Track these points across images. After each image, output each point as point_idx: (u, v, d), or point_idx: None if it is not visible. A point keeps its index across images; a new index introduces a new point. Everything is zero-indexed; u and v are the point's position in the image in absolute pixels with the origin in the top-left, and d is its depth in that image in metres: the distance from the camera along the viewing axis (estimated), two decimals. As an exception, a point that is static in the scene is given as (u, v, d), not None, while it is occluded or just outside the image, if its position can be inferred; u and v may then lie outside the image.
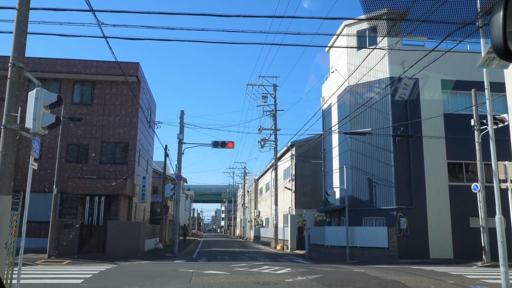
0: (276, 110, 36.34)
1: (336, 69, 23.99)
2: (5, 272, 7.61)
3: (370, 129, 20.46)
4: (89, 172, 23.70)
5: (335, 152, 25.37)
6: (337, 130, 23.17)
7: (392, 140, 21.43)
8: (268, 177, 48.86)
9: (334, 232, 22.18)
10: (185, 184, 79.96)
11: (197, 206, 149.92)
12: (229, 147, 23.15)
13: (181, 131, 23.91)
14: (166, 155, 29.49)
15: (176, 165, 23.84)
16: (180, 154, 23.66)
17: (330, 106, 26.62)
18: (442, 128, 21.72)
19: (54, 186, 18.49)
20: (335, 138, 25.56)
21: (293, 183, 34.61)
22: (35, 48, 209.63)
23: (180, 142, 23.69)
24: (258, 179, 59.70)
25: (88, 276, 12.28)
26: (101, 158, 24.17)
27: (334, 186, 24.75)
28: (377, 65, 20.68)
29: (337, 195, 23.79)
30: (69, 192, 22.11)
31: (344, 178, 21.80)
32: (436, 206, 20.89)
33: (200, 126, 46.81)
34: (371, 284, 11.31)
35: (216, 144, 22.97)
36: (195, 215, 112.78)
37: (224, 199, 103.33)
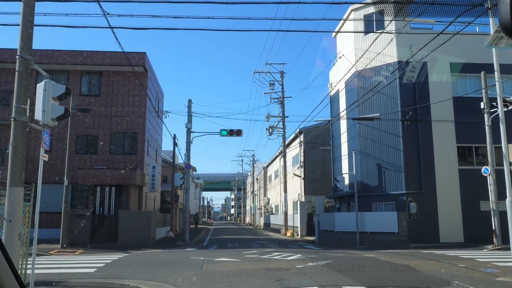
0: (283, 97, 36.22)
1: (343, 55, 23.80)
2: (20, 263, 7.74)
3: (378, 114, 20.35)
4: (99, 163, 23.88)
5: (344, 138, 25.30)
6: (345, 116, 23.07)
7: (400, 124, 21.30)
8: (277, 164, 48.93)
9: (344, 217, 22.22)
10: (194, 173, 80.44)
11: (207, 195, 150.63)
12: (237, 135, 23.15)
13: (189, 120, 23.95)
14: (175, 144, 29.61)
15: (185, 154, 23.94)
16: (188, 143, 23.74)
17: (338, 92, 26.47)
18: (452, 111, 21.53)
19: (65, 177, 18.68)
20: (343, 124, 25.47)
21: (302, 169, 34.63)
22: (42, 41, 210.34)
23: (189, 131, 23.75)
24: (267, 167, 59.82)
25: (101, 265, 12.45)
26: (110, 148, 24.31)
27: (343, 172, 24.74)
28: (384, 49, 20.48)
29: (346, 181, 23.79)
30: (79, 182, 22.36)
31: (353, 164, 21.78)
32: (446, 190, 20.82)
33: (208, 115, 46.89)
34: (381, 269, 11.35)
35: (224, 133, 22.98)
36: (205, 203, 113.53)
37: (234, 187, 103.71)
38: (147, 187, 24.80)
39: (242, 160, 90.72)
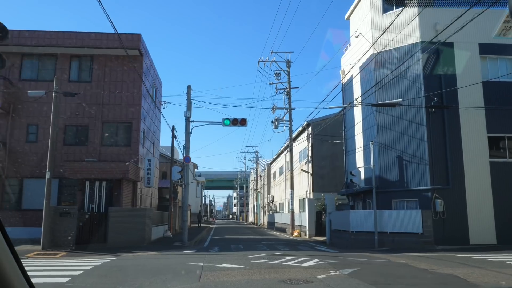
0: (290, 87, 34.01)
1: (360, 33, 21.48)
2: None
3: (400, 99, 18.04)
4: (89, 155, 21.68)
5: (358, 128, 23.01)
6: (360, 103, 20.79)
7: (424, 112, 19.01)
8: (282, 160, 46.68)
9: (360, 216, 19.96)
10: (196, 170, 78.26)
11: (209, 193, 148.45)
12: (241, 125, 20.90)
13: (189, 108, 21.72)
14: (174, 136, 27.41)
15: (183, 145, 21.73)
16: (188, 133, 21.51)
17: (351, 79, 24.19)
18: (481, 97, 19.24)
19: (47, 170, 16.48)
20: (358, 114, 23.19)
21: (310, 165, 32.36)
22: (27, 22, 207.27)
23: (188, 120, 21.52)
24: (271, 163, 57.56)
25: (78, 273, 10.24)
26: (102, 139, 22.11)
27: (358, 166, 22.46)
28: (406, 28, 18.23)
29: (362, 176, 21.51)
30: (67, 177, 20.16)
31: (371, 156, 19.48)
32: (476, 186, 18.53)
33: (209, 102, 44.51)
34: (424, 281, 9.09)
35: (227, 122, 20.73)
36: (207, 202, 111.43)
37: (236, 185, 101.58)
38: (142, 182, 22.58)
39: (244, 157, 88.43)
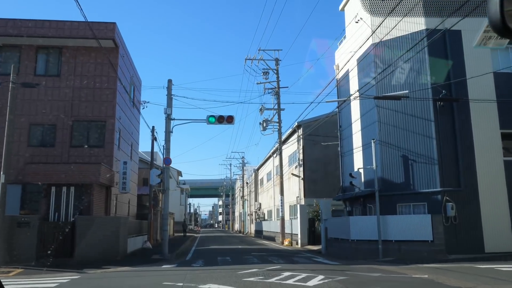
0: (279, 87, 32.04)
1: (361, 18, 19.52)
2: None
3: (407, 91, 16.08)
4: (57, 158, 19.28)
5: (356, 127, 21.03)
6: (360, 97, 18.81)
7: (432, 106, 17.10)
8: (270, 165, 44.57)
9: (362, 222, 17.91)
10: (180, 178, 75.65)
11: (194, 201, 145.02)
12: (228, 122, 18.75)
13: (169, 104, 19.49)
14: (154, 138, 25.10)
15: (163, 146, 19.47)
16: (168, 132, 19.26)
17: (347, 74, 22.26)
18: (493, 90, 17.41)
19: (1, 173, 14.05)
20: (355, 111, 21.23)
21: (301, 169, 30.28)
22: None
23: (168, 118, 19.28)
24: (258, 169, 55.40)
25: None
26: (72, 140, 19.73)
27: (356, 168, 20.44)
28: (409, 14, 16.33)
29: (362, 178, 19.48)
30: (30, 182, 17.72)
31: (373, 156, 17.47)
32: (489, 187, 16.64)
33: (192, 98, 42.05)
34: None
35: (212, 120, 18.57)
36: (192, 210, 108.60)
37: (222, 193, 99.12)
38: (117, 187, 20.20)
39: (230, 164, 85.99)
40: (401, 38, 18.26)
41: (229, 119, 18.77)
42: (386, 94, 16.28)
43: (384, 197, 17.58)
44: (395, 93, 16.06)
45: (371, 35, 17.53)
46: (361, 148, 20.30)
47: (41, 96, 19.94)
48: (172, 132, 19.38)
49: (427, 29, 17.46)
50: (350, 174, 18.22)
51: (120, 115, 21.35)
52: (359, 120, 20.65)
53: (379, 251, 16.59)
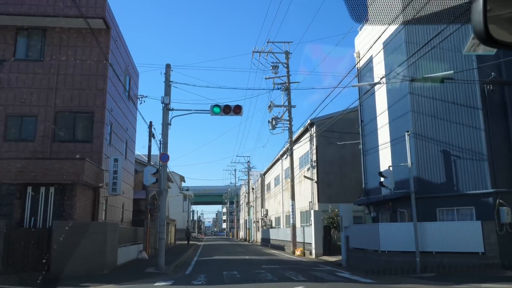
0: (289, 82, 29.39)
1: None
2: None
3: (451, 71, 13.31)
4: (38, 154, 16.63)
5: (383, 120, 18.29)
6: (390, 81, 16.09)
7: (478, 91, 14.34)
8: (278, 169, 41.80)
9: (393, 230, 15.11)
10: (183, 183, 72.96)
11: (197, 208, 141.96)
12: (235, 113, 16.05)
13: (167, 92, 16.83)
14: (152, 135, 22.43)
15: (160, 140, 16.82)
16: (166, 124, 16.58)
17: (370, 61, 19.54)
18: (550, 73, 14.67)
19: (-42, 167, 11.38)
20: (381, 102, 18.51)
21: (314, 171, 27.50)
22: None
23: (166, 108, 16.60)
24: (264, 174, 52.59)
25: None
26: (55, 133, 17.08)
27: (382, 168, 17.67)
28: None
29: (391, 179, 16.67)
30: (2, 181, 15.03)
31: (407, 152, 14.66)
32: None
33: (194, 85, 39.16)
34: None
35: (217, 110, 15.88)
36: (195, 217, 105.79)
37: (226, 200, 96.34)
38: (107, 189, 17.50)
39: (235, 170, 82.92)
40: (439, 14, 15.53)
41: (237, 110, 16.09)
42: (427, 75, 13.51)
43: (420, 200, 14.78)
44: (437, 74, 13.29)
45: (403, 10, 14.74)
46: (388, 144, 17.54)
47: (20, 83, 17.36)
48: (170, 125, 16.71)
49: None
50: (380, 173, 15.41)
51: (112, 106, 18.70)
52: (386, 112, 17.91)
53: (417, 265, 13.79)
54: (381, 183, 15.38)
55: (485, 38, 1.74)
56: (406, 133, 15.03)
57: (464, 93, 14.63)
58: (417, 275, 13.42)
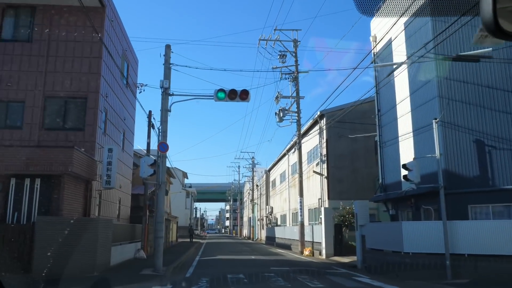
0: (297, 71, 27.78)
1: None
2: None
3: (490, 48, 11.65)
4: (25, 143, 15.11)
5: (404, 108, 16.65)
6: (418, 59, 14.43)
7: (517, 73, 12.71)
8: (284, 165, 40.20)
9: (419, 230, 13.46)
10: (186, 180, 71.35)
11: (200, 206, 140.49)
12: (241, 99, 14.46)
13: (167, 75, 15.24)
14: (151, 124, 20.86)
15: (159, 128, 15.25)
16: (165, 110, 15.00)
17: (388, 44, 17.92)
18: None
19: None
20: (402, 88, 16.87)
21: (324, 165, 25.88)
22: None
23: (165, 92, 15.02)
24: (269, 170, 51.01)
25: None
26: (44, 120, 15.56)
27: (402, 161, 16.03)
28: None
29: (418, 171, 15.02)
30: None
31: (435, 141, 13.00)
32: None
33: (196, 67, 37.47)
34: None
35: (222, 95, 14.29)
36: (198, 215, 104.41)
37: (229, 197, 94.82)
38: (100, 182, 15.95)
39: (239, 167, 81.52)
40: (448, 5, 13.88)
41: (243, 95, 14.50)
42: (461, 53, 11.86)
43: (449, 196, 13.14)
44: (475, 51, 11.64)
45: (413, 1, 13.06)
46: (411, 134, 15.90)
47: (6, 66, 15.85)
48: (170, 111, 15.13)
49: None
50: (404, 166, 13.74)
51: (107, 92, 17.15)
52: (408, 99, 16.26)
53: (447, 269, 12.16)
54: (405, 176, 13.71)
55: (495, 29, 1.71)
56: (433, 121, 13.35)
57: (501, 75, 12.99)
58: (448, 281, 11.84)
